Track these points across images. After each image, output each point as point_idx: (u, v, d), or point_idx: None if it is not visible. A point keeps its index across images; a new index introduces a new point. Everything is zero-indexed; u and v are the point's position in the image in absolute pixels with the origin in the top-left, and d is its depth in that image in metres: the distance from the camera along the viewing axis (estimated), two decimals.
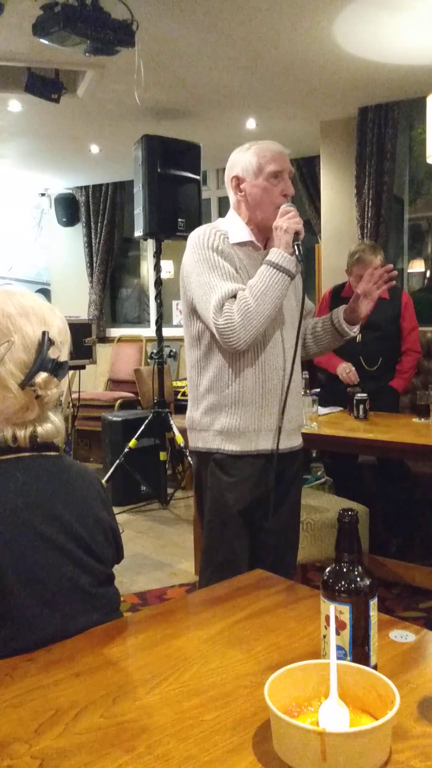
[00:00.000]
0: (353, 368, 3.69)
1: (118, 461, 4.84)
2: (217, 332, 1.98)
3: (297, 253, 1.97)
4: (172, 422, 4.84)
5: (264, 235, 2.10)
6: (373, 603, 1.00)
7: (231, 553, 2.09)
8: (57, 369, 1.19)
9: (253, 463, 2.07)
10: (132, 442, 4.83)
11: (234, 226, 2.09)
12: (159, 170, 4.46)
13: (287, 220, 1.98)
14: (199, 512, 2.27)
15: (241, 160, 2.08)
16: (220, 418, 2.07)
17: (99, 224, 7.26)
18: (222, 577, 1.72)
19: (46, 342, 1.18)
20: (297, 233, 1.97)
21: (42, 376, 1.17)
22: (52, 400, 1.21)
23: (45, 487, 1.18)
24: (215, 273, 2.00)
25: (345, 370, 3.68)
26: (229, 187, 2.13)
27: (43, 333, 1.19)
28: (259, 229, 2.09)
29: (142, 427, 4.83)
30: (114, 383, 7.06)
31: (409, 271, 5.78)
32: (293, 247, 1.97)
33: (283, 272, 1.95)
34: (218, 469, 2.09)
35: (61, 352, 1.22)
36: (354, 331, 2.23)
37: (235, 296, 1.97)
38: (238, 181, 2.09)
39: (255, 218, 2.08)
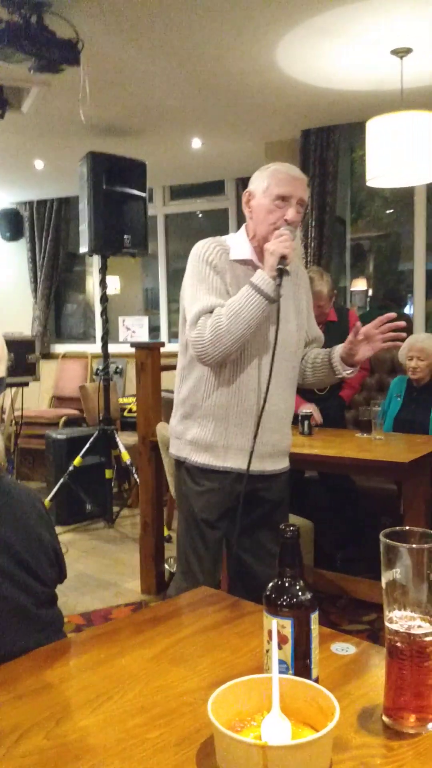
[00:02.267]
0: (317, 409, 3.68)
1: (62, 480, 4.78)
2: (190, 344, 2.02)
3: (279, 276, 1.94)
4: (118, 439, 4.81)
5: (263, 255, 2.06)
6: (314, 617, 1.03)
7: (195, 561, 2.13)
8: None
9: (221, 477, 2.08)
10: (77, 460, 4.77)
11: (238, 242, 2.10)
12: (104, 187, 4.46)
13: (276, 243, 1.97)
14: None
15: (257, 178, 2.09)
16: (192, 429, 2.11)
17: (43, 239, 7.19)
18: (184, 584, 1.90)
19: None
20: (283, 257, 1.95)
21: None
22: None
23: None
24: (202, 286, 2.02)
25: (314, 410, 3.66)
26: (243, 202, 2.13)
27: None
28: (260, 247, 2.07)
29: (87, 445, 4.78)
30: (58, 400, 6.98)
31: (351, 289, 5.91)
32: (276, 270, 1.94)
33: (261, 294, 1.93)
34: (188, 477, 2.14)
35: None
36: (348, 373, 2.17)
37: (213, 312, 1.97)
38: (249, 196, 2.10)
39: (256, 236, 2.08)
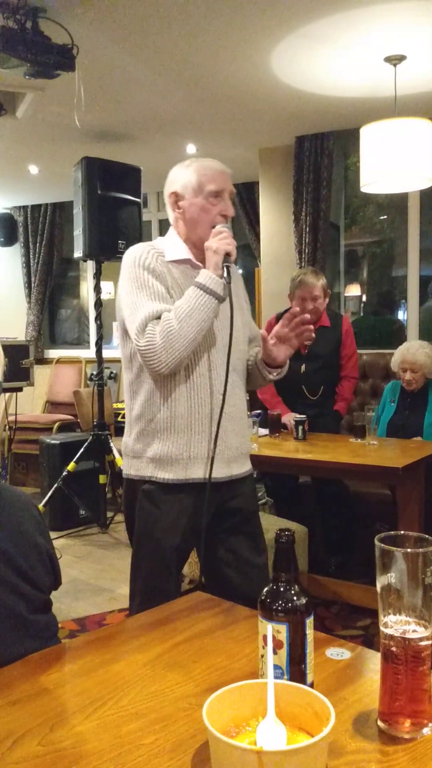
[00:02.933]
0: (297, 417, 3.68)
1: (56, 485, 4.77)
2: (139, 354, 1.90)
3: (226, 274, 1.89)
4: (112, 445, 4.80)
5: (203, 254, 1.98)
6: (309, 621, 1.02)
7: (157, 590, 1.98)
8: None
9: (185, 495, 1.96)
10: (71, 465, 4.76)
11: (171, 244, 2.03)
12: (99, 192, 4.47)
13: (218, 241, 1.92)
14: (129, 538, 2.14)
15: (181, 177, 2.02)
16: (152, 445, 1.97)
17: (38, 244, 7.19)
18: (147, 608, 1.64)
19: None
20: (228, 254, 1.91)
21: None
22: None
23: None
24: (143, 292, 1.93)
25: (293, 419, 3.62)
26: (168, 204, 2.06)
27: None
28: (197, 247, 2.01)
29: (82, 450, 4.77)
30: (52, 405, 6.97)
31: (345, 294, 5.93)
32: (222, 268, 1.90)
33: (210, 294, 1.87)
34: (147, 502, 1.99)
35: None
36: (273, 376, 2.14)
37: (160, 317, 1.88)
38: (176, 197, 2.03)
39: (192, 236, 2.01)
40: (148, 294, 1.92)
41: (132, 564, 2.08)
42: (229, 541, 2.08)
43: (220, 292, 1.89)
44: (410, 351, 3.67)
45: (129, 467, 2.05)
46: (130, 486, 2.05)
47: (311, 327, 2.06)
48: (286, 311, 3.91)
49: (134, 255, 1.98)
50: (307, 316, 2.07)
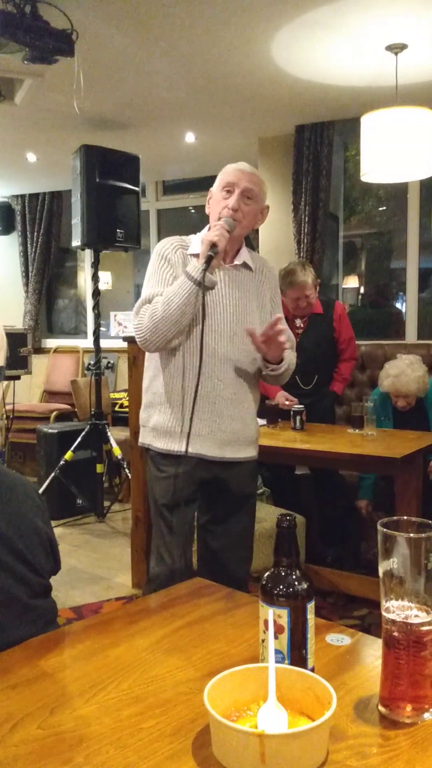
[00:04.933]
0: (288, 395, 3.70)
1: (53, 474, 4.77)
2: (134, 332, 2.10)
3: (207, 263, 1.99)
4: (109, 434, 4.79)
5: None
6: (311, 606, 1.02)
7: (162, 546, 2.17)
8: None
9: (182, 462, 2.11)
10: (68, 455, 4.76)
11: (197, 238, 2.18)
12: (97, 180, 4.44)
13: (209, 232, 2.06)
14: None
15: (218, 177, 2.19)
16: (153, 416, 2.18)
17: (35, 233, 7.15)
18: (157, 568, 2.03)
19: None
20: (213, 244, 2.00)
21: None
22: None
23: None
24: (153, 278, 2.13)
25: (284, 397, 3.69)
26: (206, 203, 2.24)
27: None
28: None
29: (79, 439, 4.77)
30: (50, 395, 6.95)
31: (343, 286, 5.92)
32: (206, 257, 2.00)
33: (191, 281, 1.99)
34: (152, 464, 2.20)
35: None
36: (269, 371, 2.20)
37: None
38: (210, 196, 2.21)
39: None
40: (156, 279, 2.11)
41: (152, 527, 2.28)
42: (224, 518, 2.23)
43: (199, 278, 2.00)
44: (402, 382, 3.47)
45: (140, 435, 2.27)
46: (144, 453, 2.28)
47: (283, 342, 2.11)
48: None
49: (159, 244, 2.19)
50: (281, 333, 2.09)
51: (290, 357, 2.22)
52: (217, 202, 2.14)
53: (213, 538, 2.25)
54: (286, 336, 2.10)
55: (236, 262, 2.20)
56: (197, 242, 2.14)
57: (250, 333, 2.09)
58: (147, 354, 2.22)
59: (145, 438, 2.22)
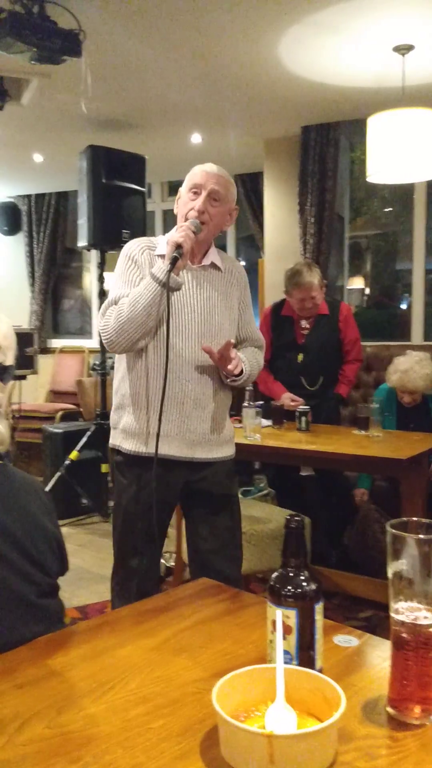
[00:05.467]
0: (294, 396, 3.70)
1: (58, 473, 4.77)
2: (100, 334, 2.10)
3: (171, 264, 1.98)
4: None
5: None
6: (319, 607, 1.02)
7: (129, 555, 2.15)
8: (2, 373, 1.18)
9: (151, 464, 2.08)
10: (73, 454, 4.76)
11: (164, 238, 2.16)
12: (104, 181, 4.45)
13: (174, 233, 2.05)
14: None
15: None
16: (123, 418, 2.16)
17: (41, 234, 7.17)
18: (121, 579, 2.01)
19: None
20: (178, 246, 1.99)
21: None
22: None
23: None
24: (120, 279, 2.13)
25: (289, 398, 3.68)
26: (175, 204, 2.23)
27: None
28: None
29: (84, 439, 4.77)
30: (55, 395, 6.96)
31: (348, 287, 5.91)
32: (171, 258, 1.99)
33: (156, 282, 1.99)
34: (117, 470, 2.19)
35: (6, 357, 1.20)
36: (228, 381, 2.20)
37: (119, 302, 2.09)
38: (177, 197, 2.19)
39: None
40: (123, 280, 2.11)
41: (113, 532, 2.25)
42: (207, 518, 2.21)
43: (163, 280, 1.99)
44: (409, 377, 3.49)
45: (111, 437, 2.24)
46: (113, 456, 2.26)
47: (231, 370, 2.12)
48: (282, 302, 3.90)
49: (126, 246, 2.18)
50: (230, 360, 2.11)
51: (249, 370, 2.22)
52: (184, 204, 2.13)
53: (200, 541, 2.22)
54: (236, 363, 2.11)
55: (204, 262, 2.19)
56: (164, 243, 2.12)
57: (206, 350, 2.09)
58: (116, 356, 2.21)
59: (115, 439, 2.20)
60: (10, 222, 7.43)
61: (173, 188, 6.84)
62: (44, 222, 7.14)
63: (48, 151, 5.68)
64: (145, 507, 2.09)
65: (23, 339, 4.34)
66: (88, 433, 4.78)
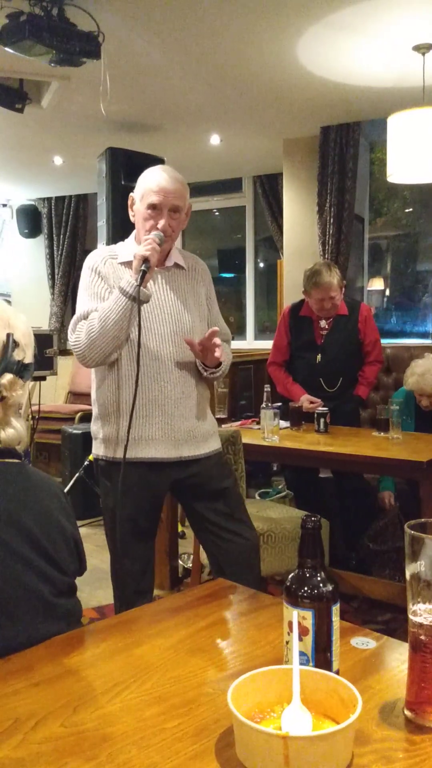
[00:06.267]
0: (312, 398, 3.69)
1: (77, 474, 4.79)
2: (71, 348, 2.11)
3: (141, 278, 2.01)
4: None
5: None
6: (336, 609, 1.01)
7: (126, 560, 2.20)
8: (22, 371, 1.18)
9: (136, 470, 2.11)
10: (92, 455, 4.77)
11: (125, 247, 2.21)
12: (123, 183, 4.46)
13: (141, 247, 2.06)
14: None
15: (138, 183, 2.18)
16: (103, 427, 2.18)
17: (61, 236, 7.21)
18: (117, 582, 2.09)
19: (10, 344, 1.17)
20: (146, 260, 2.01)
21: (7, 378, 1.16)
22: (16, 402, 1.19)
23: (6, 494, 1.16)
24: (86, 293, 2.14)
25: (308, 400, 3.67)
26: (128, 206, 2.24)
27: (8, 335, 1.18)
28: None
29: None
30: (74, 396, 6.99)
31: (368, 288, 5.88)
32: (140, 272, 2.01)
33: (126, 296, 2.01)
34: (102, 476, 2.21)
35: (26, 354, 1.21)
36: (207, 374, 2.23)
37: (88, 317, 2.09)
38: (131, 201, 2.21)
39: (138, 240, 2.19)
40: (89, 294, 2.13)
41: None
42: (207, 513, 2.24)
43: (132, 293, 2.01)
44: (426, 381, 3.44)
45: (93, 448, 2.27)
46: (95, 466, 2.29)
47: (218, 356, 2.16)
48: (300, 302, 3.88)
49: (88, 259, 2.20)
50: (216, 347, 2.14)
51: (226, 362, 2.26)
52: (143, 218, 2.13)
53: (212, 537, 2.26)
54: (221, 350, 2.14)
55: (167, 264, 2.22)
56: (125, 251, 2.17)
57: (188, 343, 2.12)
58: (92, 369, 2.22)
59: (98, 450, 2.21)
60: (30, 225, 7.48)
61: (192, 190, 6.83)
62: (64, 224, 7.18)
63: (67, 154, 5.71)
64: (131, 510, 2.14)
65: (43, 340, 4.36)
66: None
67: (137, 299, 2.01)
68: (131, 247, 2.18)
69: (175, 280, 2.22)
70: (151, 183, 2.13)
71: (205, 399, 2.29)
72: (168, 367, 2.14)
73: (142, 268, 2.01)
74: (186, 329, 2.17)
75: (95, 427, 2.23)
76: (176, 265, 2.25)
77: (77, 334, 2.08)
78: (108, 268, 2.15)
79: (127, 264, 2.14)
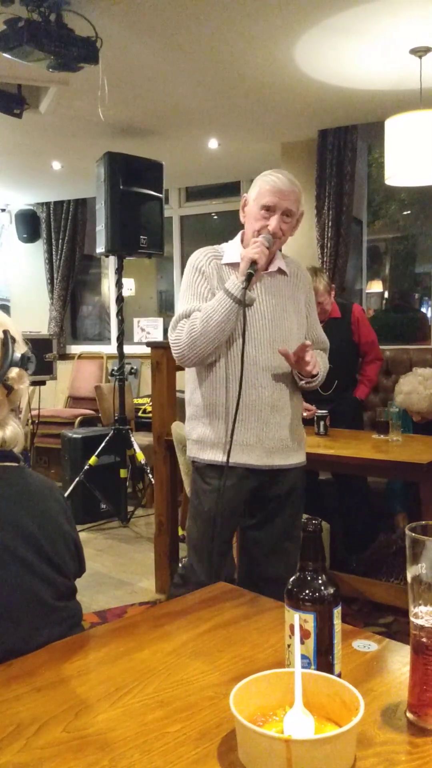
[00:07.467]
0: (306, 405, 3.68)
1: (78, 479, 4.79)
2: (171, 347, 2.10)
3: (247, 280, 2.00)
4: (132, 439, 4.81)
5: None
6: (337, 612, 1.01)
7: (205, 555, 2.17)
8: (26, 362, 1.20)
9: (229, 473, 2.11)
10: (92, 460, 4.78)
11: (231, 247, 2.18)
12: (121, 187, 4.47)
13: (249, 249, 2.05)
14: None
15: (254, 184, 2.16)
16: (197, 428, 2.18)
17: (60, 241, 7.22)
18: (200, 574, 2.06)
19: (9, 340, 1.19)
20: (254, 262, 2.01)
21: (15, 371, 1.18)
22: (21, 396, 1.21)
23: (6, 497, 1.16)
24: (188, 291, 2.14)
25: (304, 409, 3.66)
26: (240, 207, 2.22)
27: (4, 332, 1.19)
28: None
29: (103, 445, 4.78)
30: (74, 400, 6.99)
31: (367, 291, 5.88)
32: (246, 274, 2.00)
33: (231, 298, 2.00)
34: (198, 476, 2.20)
35: (24, 347, 1.23)
36: (303, 383, 2.23)
37: (191, 316, 2.08)
38: (244, 202, 2.19)
39: (245, 241, 2.17)
40: (191, 293, 2.12)
41: (187, 535, 2.28)
42: (264, 524, 2.23)
43: (238, 296, 2.01)
44: (413, 400, 3.43)
45: (187, 448, 2.28)
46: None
47: (309, 370, 2.14)
48: None
49: (193, 257, 2.19)
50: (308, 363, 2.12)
51: (322, 372, 2.26)
52: (254, 218, 2.12)
53: (254, 544, 2.26)
54: (313, 363, 2.12)
55: (271, 269, 2.20)
56: (231, 251, 2.15)
57: (283, 354, 2.11)
58: (187, 368, 2.23)
59: (191, 451, 2.23)
60: (29, 229, 7.49)
61: (190, 194, 6.85)
62: (63, 229, 7.19)
63: (66, 159, 5.72)
64: (225, 512, 2.13)
65: (42, 345, 4.37)
66: (107, 438, 4.80)
67: (242, 302, 1.99)
68: (236, 248, 2.17)
69: (278, 286, 2.20)
70: (267, 184, 2.10)
71: (299, 409, 2.28)
72: (265, 373, 2.12)
73: (249, 270, 2.00)
74: (285, 336, 2.15)
75: (188, 428, 2.24)
76: (279, 271, 2.23)
77: (178, 333, 2.07)
78: (212, 267, 2.14)
79: (231, 265, 2.13)
